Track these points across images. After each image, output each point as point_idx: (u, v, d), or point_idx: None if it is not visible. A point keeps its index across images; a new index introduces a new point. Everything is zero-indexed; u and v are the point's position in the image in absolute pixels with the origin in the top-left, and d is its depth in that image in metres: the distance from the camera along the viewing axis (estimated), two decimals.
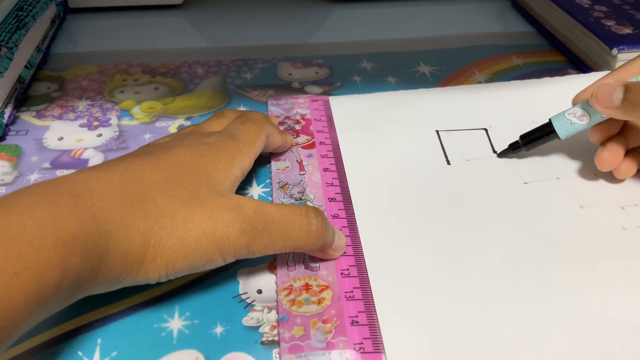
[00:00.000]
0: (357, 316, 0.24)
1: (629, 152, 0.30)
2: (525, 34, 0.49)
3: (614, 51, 0.39)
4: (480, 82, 0.41)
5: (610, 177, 0.31)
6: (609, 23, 0.42)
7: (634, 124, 0.30)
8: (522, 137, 0.32)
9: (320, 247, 0.25)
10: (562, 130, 0.30)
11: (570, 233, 0.28)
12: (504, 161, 0.33)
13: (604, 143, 0.30)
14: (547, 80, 0.39)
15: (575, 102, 0.31)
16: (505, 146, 0.33)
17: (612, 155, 0.30)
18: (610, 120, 0.29)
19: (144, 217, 0.21)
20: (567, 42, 0.44)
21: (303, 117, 0.36)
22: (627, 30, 0.41)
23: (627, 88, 0.27)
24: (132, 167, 0.23)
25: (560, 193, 0.30)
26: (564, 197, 0.30)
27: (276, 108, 0.37)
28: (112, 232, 0.20)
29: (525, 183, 0.31)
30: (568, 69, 0.43)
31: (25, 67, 0.39)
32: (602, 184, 0.31)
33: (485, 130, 0.35)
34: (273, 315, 0.24)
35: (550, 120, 0.31)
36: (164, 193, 0.22)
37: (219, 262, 0.23)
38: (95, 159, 0.34)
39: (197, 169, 0.24)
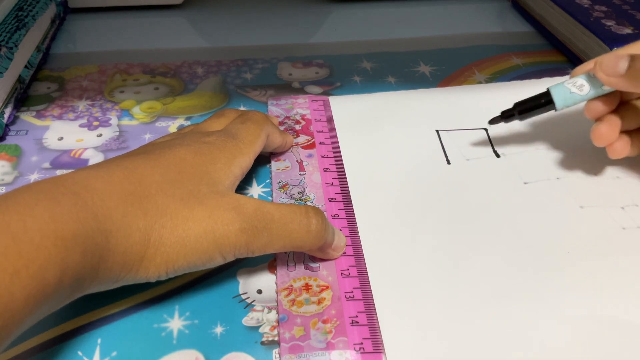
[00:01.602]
0: (357, 316, 0.24)
1: (622, 133, 0.30)
2: (525, 34, 0.49)
3: None
4: (480, 82, 0.41)
5: (611, 177, 0.31)
6: (609, 23, 0.42)
7: (631, 104, 0.30)
8: (517, 104, 0.31)
9: (320, 246, 0.25)
10: (560, 100, 0.30)
11: (570, 233, 0.28)
12: (504, 161, 0.33)
13: (599, 119, 0.30)
14: (547, 80, 0.39)
15: (575, 74, 0.30)
16: (507, 147, 0.33)
17: (609, 129, 0.29)
18: (608, 95, 0.29)
19: (144, 216, 0.21)
20: (567, 42, 0.44)
21: (303, 117, 0.36)
22: (627, 30, 0.41)
23: (634, 57, 0.27)
24: (132, 166, 0.23)
25: (560, 193, 0.30)
26: (564, 197, 0.30)
27: (276, 108, 0.37)
28: (112, 231, 0.20)
29: (525, 183, 0.31)
30: (568, 69, 0.43)
31: (25, 67, 0.39)
32: (602, 184, 0.31)
33: (486, 130, 0.35)
34: (273, 316, 0.24)
35: (548, 89, 0.30)
36: (164, 192, 0.22)
37: (219, 261, 0.23)
38: (95, 159, 0.34)
39: (197, 168, 0.24)
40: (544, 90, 0.30)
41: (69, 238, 0.18)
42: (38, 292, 0.17)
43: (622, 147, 0.30)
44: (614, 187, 0.31)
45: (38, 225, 0.17)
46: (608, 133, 0.29)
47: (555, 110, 0.30)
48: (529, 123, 0.33)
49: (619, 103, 0.30)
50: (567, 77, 0.31)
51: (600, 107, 0.29)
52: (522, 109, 0.31)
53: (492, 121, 0.32)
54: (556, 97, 0.30)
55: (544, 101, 0.30)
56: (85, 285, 0.19)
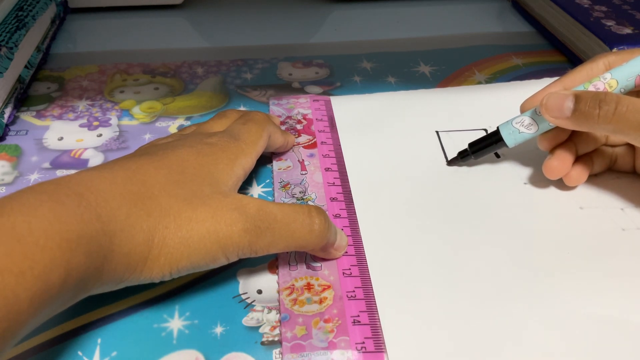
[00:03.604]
0: (358, 316, 0.24)
1: (579, 159, 0.30)
2: (525, 34, 0.49)
3: (614, 51, 0.39)
4: (480, 82, 0.41)
5: (610, 178, 0.31)
6: (609, 23, 0.42)
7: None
8: (471, 145, 0.31)
9: (322, 246, 0.25)
10: (510, 139, 0.30)
11: (570, 234, 0.28)
12: (504, 162, 0.33)
13: (552, 150, 0.30)
14: (547, 81, 0.39)
15: (523, 110, 0.30)
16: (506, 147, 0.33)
17: (560, 164, 0.29)
18: (559, 127, 0.28)
19: (148, 216, 0.21)
20: (567, 42, 0.44)
21: (304, 117, 0.36)
22: (627, 30, 0.41)
23: (578, 98, 0.26)
24: (135, 167, 0.23)
25: (560, 194, 0.30)
26: (564, 197, 0.30)
27: (278, 108, 0.37)
28: (116, 232, 0.20)
29: (525, 184, 0.31)
30: (568, 69, 0.43)
31: (25, 67, 0.39)
32: (602, 185, 0.31)
33: (485, 130, 0.35)
34: (273, 316, 0.24)
35: (498, 128, 0.30)
36: (167, 193, 0.22)
37: (222, 262, 0.23)
38: (95, 159, 0.34)
39: (200, 169, 0.24)
40: (495, 129, 0.31)
41: (73, 239, 0.18)
42: (43, 293, 0.17)
43: (578, 175, 0.29)
44: (613, 188, 0.31)
45: (43, 226, 0.17)
46: (559, 167, 0.29)
47: (508, 147, 0.30)
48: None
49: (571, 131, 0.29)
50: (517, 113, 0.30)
51: (552, 141, 0.29)
52: (476, 149, 0.31)
53: (451, 162, 0.32)
54: (506, 137, 0.30)
55: (496, 139, 0.30)
56: (89, 286, 0.19)
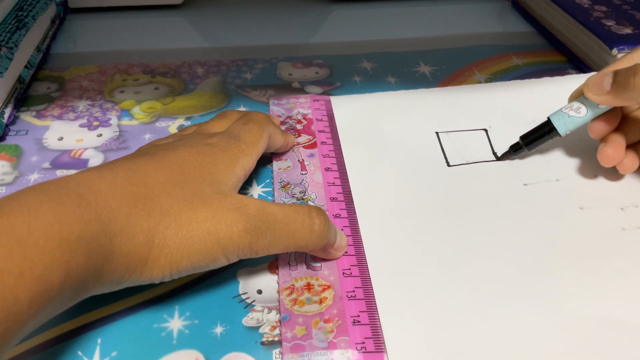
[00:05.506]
0: (358, 316, 0.24)
1: (629, 147, 0.30)
2: (525, 34, 0.49)
3: (614, 51, 0.39)
4: (480, 82, 0.41)
5: (610, 178, 0.31)
6: (609, 23, 0.42)
7: (632, 116, 0.30)
8: (523, 137, 0.32)
9: (322, 246, 0.25)
10: (561, 125, 0.30)
11: (570, 234, 0.28)
12: (504, 162, 0.33)
13: (604, 139, 0.30)
14: (547, 80, 0.39)
15: (571, 100, 0.31)
16: (506, 147, 0.33)
17: (615, 151, 0.30)
18: (609, 113, 0.29)
19: (148, 217, 0.21)
20: (567, 42, 0.44)
21: (305, 116, 0.36)
22: (627, 30, 0.41)
23: (616, 73, 0.27)
24: (135, 168, 0.23)
25: (560, 194, 0.30)
26: (564, 198, 0.30)
27: (278, 108, 0.37)
28: (116, 233, 0.20)
29: (525, 184, 0.31)
30: (568, 69, 0.43)
31: (25, 67, 0.39)
32: (601, 185, 0.31)
33: (485, 130, 0.35)
34: (273, 316, 0.24)
35: (548, 118, 0.31)
36: (168, 193, 0.22)
37: (223, 262, 0.23)
38: (95, 159, 0.34)
39: (200, 169, 0.24)
40: (545, 119, 0.31)
41: (73, 240, 0.18)
42: (42, 294, 0.17)
43: (631, 163, 0.30)
44: (613, 188, 0.31)
45: (42, 227, 0.17)
46: (614, 154, 0.30)
47: (561, 136, 0.31)
48: (528, 124, 0.33)
49: (620, 118, 0.30)
50: (565, 103, 0.31)
51: (602, 127, 0.30)
52: (528, 141, 0.32)
53: (503, 157, 0.33)
54: (557, 123, 0.30)
55: (547, 130, 0.31)
56: (89, 287, 0.19)
